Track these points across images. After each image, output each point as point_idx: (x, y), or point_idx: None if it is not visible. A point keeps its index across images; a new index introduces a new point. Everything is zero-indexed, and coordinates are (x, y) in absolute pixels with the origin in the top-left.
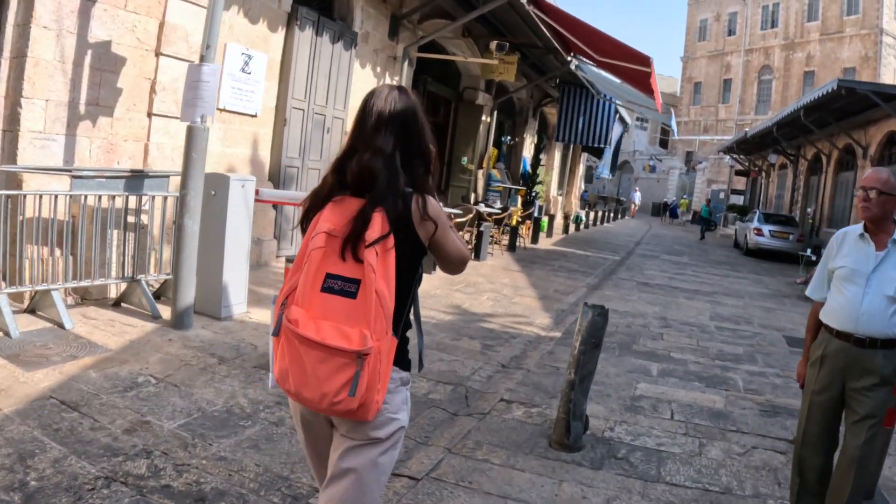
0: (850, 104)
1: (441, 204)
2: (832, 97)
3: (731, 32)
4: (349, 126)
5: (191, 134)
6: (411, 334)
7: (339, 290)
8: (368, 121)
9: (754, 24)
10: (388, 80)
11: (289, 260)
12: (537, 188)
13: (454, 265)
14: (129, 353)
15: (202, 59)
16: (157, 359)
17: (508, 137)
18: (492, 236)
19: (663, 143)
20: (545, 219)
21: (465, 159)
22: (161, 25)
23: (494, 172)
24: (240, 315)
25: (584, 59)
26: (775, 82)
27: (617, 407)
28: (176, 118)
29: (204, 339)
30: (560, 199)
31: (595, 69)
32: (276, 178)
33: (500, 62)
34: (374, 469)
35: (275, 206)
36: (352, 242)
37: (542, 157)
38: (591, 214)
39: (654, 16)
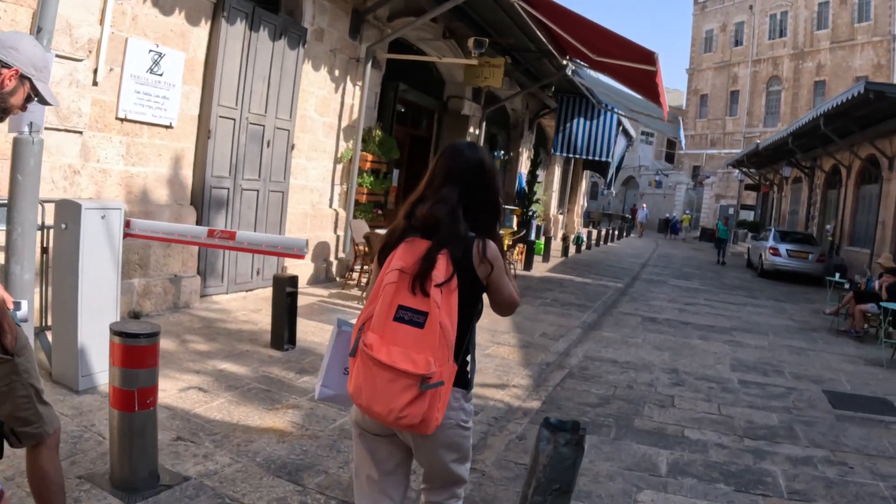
0: (874, 111)
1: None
2: (857, 102)
3: (737, 43)
4: (298, 137)
5: (17, 149)
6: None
7: (409, 321)
8: (439, 172)
9: (762, 33)
10: (348, 85)
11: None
12: (534, 207)
13: (504, 307)
14: None
15: None
16: None
17: (502, 152)
18: None
19: (669, 158)
20: (541, 241)
21: None
22: (34, 15)
23: None
24: (106, 384)
25: (581, 63)
26: (784, 93)
27: None
28: (56, 130)
29: None
30: (561, 217)
31: (594, 74)
32: (200, 201)
33: (485, 66)
34: (457, 465)
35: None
36: (420, 279)
37: (540, 173)
38: (595, 233)
39: (658, 28)
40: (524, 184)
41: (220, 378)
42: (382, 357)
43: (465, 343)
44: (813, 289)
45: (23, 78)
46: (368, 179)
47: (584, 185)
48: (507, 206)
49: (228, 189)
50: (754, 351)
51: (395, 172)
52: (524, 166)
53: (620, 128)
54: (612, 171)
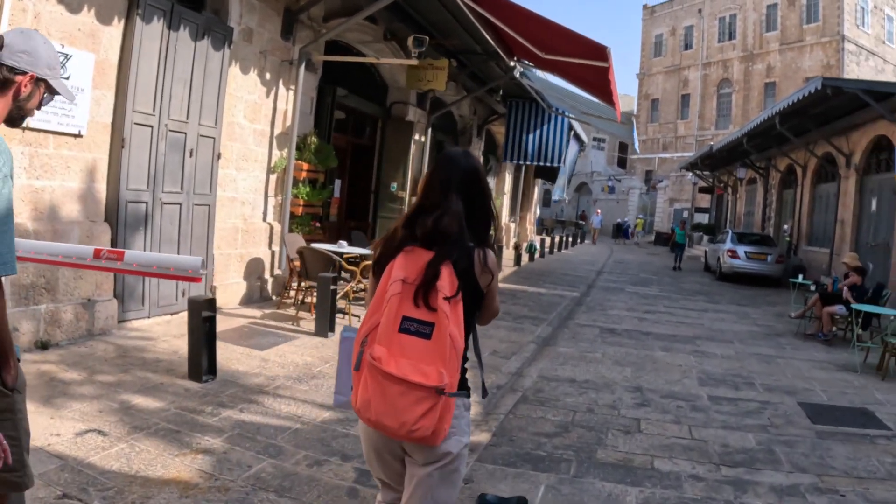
0: (831, 108)
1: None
2: (814, 99)
3: (687, 46)
4: (226, 146)
5: None
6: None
7: (415, 332)
8: (438, 182)
9: (711, 36)
10: (281, 90)
11: None
12: None
13: (491, 315)
14: None
15: None
16: None
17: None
18: None
19: (622, 163)
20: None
21: (394, 185)
22: None
23: None
24: None
25: (529, 63)
26: (735, 95)
27: None
28: None
29: None
30: (513, 226)
31: (544, 76)
32: (115, 217)
33: (427, 68)
34: (446, 484)
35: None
36: (424, 290)
37: (491, 180)
38: (548, 241)
39: (608, 33)
40: None
41: (127, 417)
42: (392, 370)
43: (464, 350)
44: (773, 291)
45: (38, 81)
46: (304, 190)
47: (536, 193)
48: None
49: (147, 203)
50: (721, 361)
51: (337, 183)
52: None
53: (572, 132)
54: (563, 177)
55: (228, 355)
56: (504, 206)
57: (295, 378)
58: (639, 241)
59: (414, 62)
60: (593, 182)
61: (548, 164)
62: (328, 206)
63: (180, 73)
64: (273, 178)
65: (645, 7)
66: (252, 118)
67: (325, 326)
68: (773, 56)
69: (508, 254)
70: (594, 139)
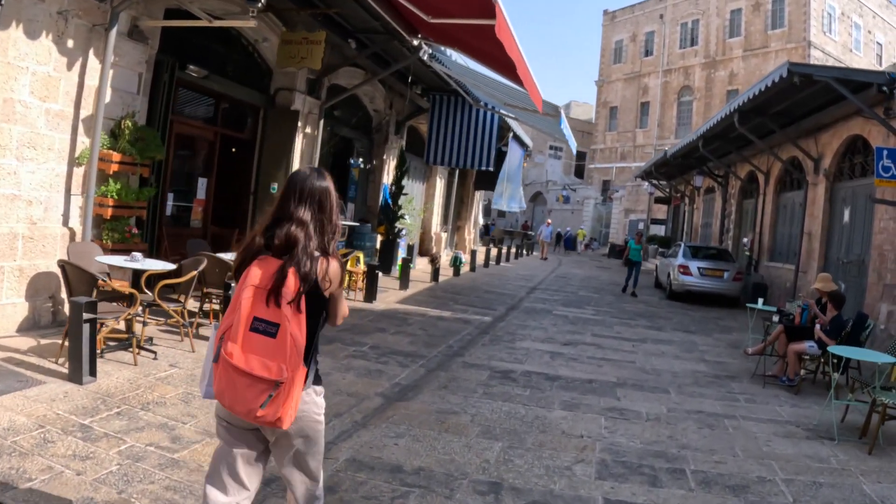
0: (796, 105)
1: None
2: (778, 91)
3: (648, 53)
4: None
5: None
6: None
7: (263, 331)
8: (293, 196)
9: (672, 42)
10: (93, 62)
11: None
12: (403, 223)
13: (339, 318)
14: None
15: None
16: None
17: (361, 160)
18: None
19: (579, 173)
20: (399, 264)
21: (274, 186)
22: None
23: None
24: None
25: (430, 39)
26: (696, 103)
27: None
28: None
29: None
30: (444, 236)
31: (464, 62)
32: None
33: (302, 43)
34: (311, 457)
35: None
36: (274, 294)
37: (416, 184)
38: (490, 252)
39: (567, 40)
40: (389, 197)
41: None
42: (241, 364)
43: (312, 348)
44: (729, 313)
45: None
46: (114, 187)
47: (478, 200)
48: (350, 223)
49: None
50: (645, 428)
51: (202, 182)
52: (390, 176)
53: (511, 135)
54: (503, 184)
55: None
56: (435, 213)
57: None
58: (582, 251)
59: (251, 23)
60: (549, 192)
61: (479, 168)
62: (156, 207)
63: None
64: (80, 171)
65: (605, 12)
66: (44, 95)
67: (78, 369)
68: (736, 63)
69: (421, 269)
70: (551, 147)
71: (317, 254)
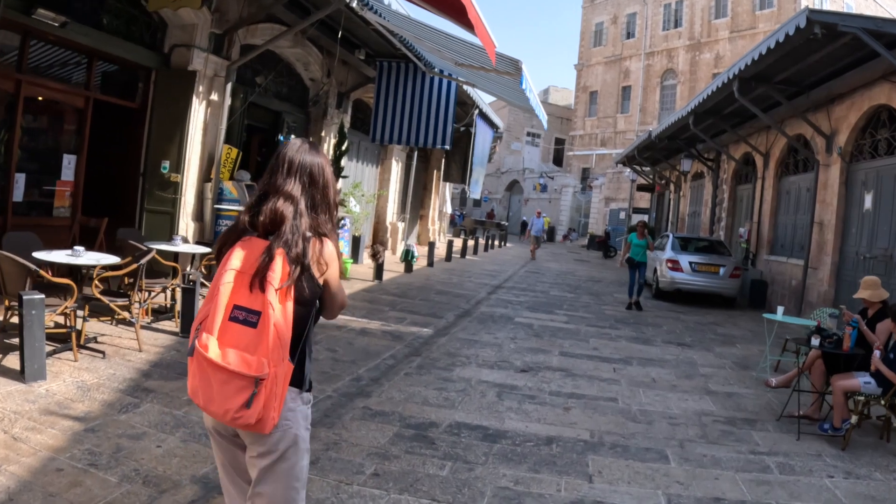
0: (802, 72)
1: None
2: (794, 48)
3: (629, 35)
4: None
5: None
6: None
7: (243, 321)
8: (281, 169)
9: (655, 24)
10: None
11: None
12: (345, 210)
13: (335, 309)
14: None
15: None
16: None
17: (293, 138)
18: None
19: (558, 160)
20: (348, 259)
21: (165, 165)
22: None
23: (228, 187)
24: None
25: None
26: (680, 87)
27: None
28: None
29: None
30: (402, 226)
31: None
32: None
33: None
34: (288, 479)
35: None
36: (259, 278)
37: (368, 167)
38: (455, 244)
39: (546, 22)
40: None
41: None
42: (216, 358)
43: (301, 342)
44: (726, 315)
45: None
46: None
47: (445, 187)
48: None
49: None
50: None
51: (68, 159)
52: (330, 156)
53: (476, 112)
54: (476, 167)
55: None
56: (391, 201)
57: None
58: (557, 241)
59: None
60: (526, 180)
61: (434, 147)
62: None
63: None
64: None
65: None
66: None
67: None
68: (722, 45)
69: (364, 267)
70: (528, 134)
71: (309, 234)
